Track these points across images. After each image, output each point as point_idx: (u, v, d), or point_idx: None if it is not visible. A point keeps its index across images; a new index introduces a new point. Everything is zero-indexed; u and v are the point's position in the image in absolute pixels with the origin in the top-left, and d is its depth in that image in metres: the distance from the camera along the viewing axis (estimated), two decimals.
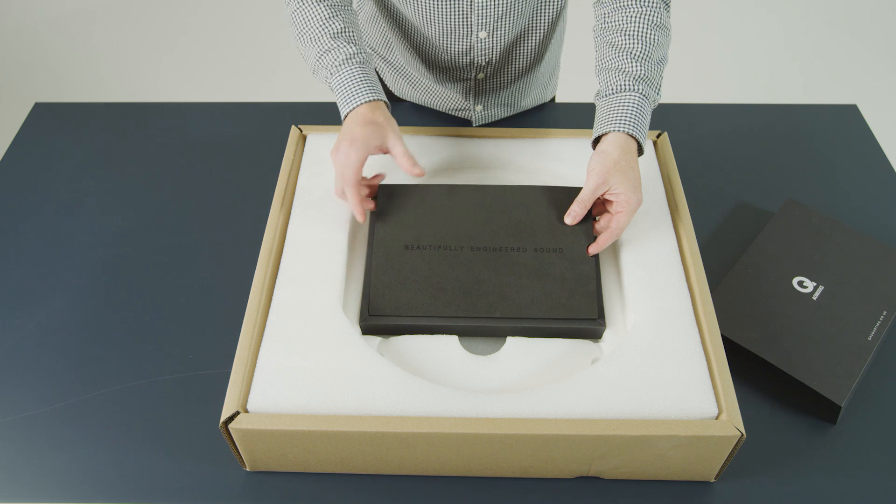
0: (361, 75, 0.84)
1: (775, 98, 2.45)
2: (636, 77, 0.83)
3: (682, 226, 0.84)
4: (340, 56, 0.84)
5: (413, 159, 0.82)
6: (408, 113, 1.13)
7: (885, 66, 2.61)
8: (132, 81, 2.51)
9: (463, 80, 1.04)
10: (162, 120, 1.14)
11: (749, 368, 0.81)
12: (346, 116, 0.84)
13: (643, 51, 0.84)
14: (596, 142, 0.84)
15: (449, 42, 0.97)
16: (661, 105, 1.16)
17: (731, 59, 2.62)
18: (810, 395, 0.77)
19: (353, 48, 0.85)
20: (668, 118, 1.13)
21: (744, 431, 0.66)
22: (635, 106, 0.82)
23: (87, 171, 1.06)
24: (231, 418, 0.67)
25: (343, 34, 0.85)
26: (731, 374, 0.71)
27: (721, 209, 1.00)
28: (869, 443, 0.77)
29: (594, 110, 0.86)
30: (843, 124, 1.15)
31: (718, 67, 2.59)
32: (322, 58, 0.85)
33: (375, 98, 0.83)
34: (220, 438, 0.75)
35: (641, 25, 0.85)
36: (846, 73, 2.58)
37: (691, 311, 0.76)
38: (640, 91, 0.83)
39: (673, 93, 2.42)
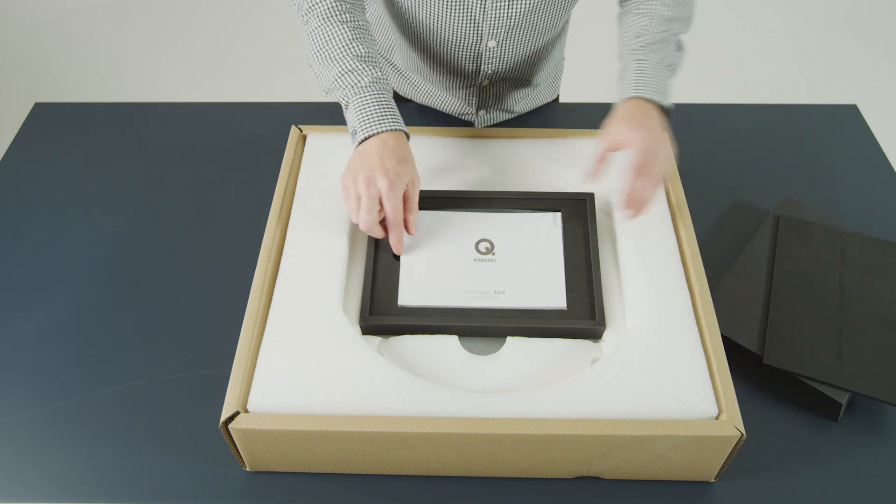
0: (389, 101, 0.82)
1: (775, 98, 2.45)
2: (636, 48, 0.86)
3: (682, 226, 0.84)
4: (366, 78, 0.82)
5: (412, 226, 0.80)
6: (410, 113, 1.13)
7: (886, 66, 2.61)
8: (132, 81, 2.51)
9: (467, 87, 1.04)
10: (162, 120, 1.14)
11: (749, 368, 0.81)
12: (365, 139, 0.80)
13: (649, 24, 0.87)
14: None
15: (458, 49, 0.97)
16: None
17: (731, 60, 2.62)
18: (811, 394, 0.77)
19: (379, 73, 0.83)
20: (667, 118, 1.13)
21: (744, 431, 0.66)
22: (633, 70, 0.85)
23: (87, 171, 1.06)
24: (231, 418, 0.67)
25: (368, 58, 0.84)
26: (731, 374, 0.71)
27: (721, 209, 1.00)
28: (871, 440, 0.76)
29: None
30: (843, 124, 1.15)
31: (718, 67, 2.59)
32: (344, 77, 0.83)
33: (400, 128, 0.81)
34: (220, 438, 0.75)
35: (653, 4, 0.88)
36: (846, 73, 2.58)
37: (691, 311, 0.76)
38: (637, 57, 0.86)
39: (673, 93, 2.42)
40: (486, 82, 1.02)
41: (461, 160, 0.94)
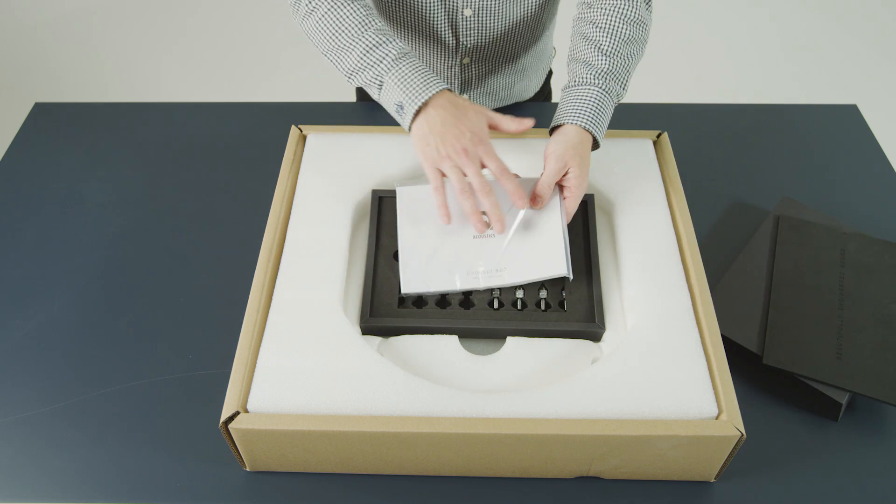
0: (425, 67, 0.79)
1: (775, 98, 2.45)
2: (600, 72, 0.83)
3: (682, 226, 0.84)
4: (394, 50, 0.79)
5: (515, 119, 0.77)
6: (390, 114, 1.13)
7: (885, 66, 2.61)
8: (132, 81, 2.51)
9: (449, 66, 1.03)
10: (162, 120, 1.14)
11: (749, 368, 0.81)
12: (419, 111, 0.77)
13: (611, 45, 0.84)
14: (553, 132, 0.84)
15: (435, 19, 0.96)
16: (660, 105, 1.16)
17: (732, 60, 2.62)
18: (811, 394, 0.77)
19: (404, 43, 0.82)
20: (667, 118, 1.13)
21: (744, 431, 0.66)
22: (594, 100, 0.82)
23: (87, 171, 1.06)
24: (231, 418, 0.67)
25: (387, 32, 0.82)
26: (731, 374, 0.71)
27: (721, 209, 1.00)
28: (871, 440, 0.76)
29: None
30: (842, 124, 1.15)
31: (719, 68, 2.59)
32: (369, 54, 0.80)
33: (447, 86, 0.78)
34: (220, 438, 0.75)
35: (614, 19, 0.85)
36: (846, 73, 2.58)
37: (691, 311, 0.76)
38: (602, 86, 0.83)
39: (673, 93, 2.42)
40: (467, 59, 1.02)
41: None
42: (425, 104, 0.77)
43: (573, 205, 0.80)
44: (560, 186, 0.82)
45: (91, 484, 0.73)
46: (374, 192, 0.87)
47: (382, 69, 0.79)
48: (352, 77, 0.83)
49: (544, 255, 0.78)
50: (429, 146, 0.76)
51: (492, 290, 0.79)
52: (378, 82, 0.80)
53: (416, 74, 0.78)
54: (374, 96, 0.83)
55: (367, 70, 0.81)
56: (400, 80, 0.78)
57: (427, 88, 0.76)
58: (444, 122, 0.75)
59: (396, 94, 0.78)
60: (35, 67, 2.55)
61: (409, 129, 0.79)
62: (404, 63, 0.79)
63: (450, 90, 0.79)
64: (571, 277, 0.78)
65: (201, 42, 2.65)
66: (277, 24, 2.69)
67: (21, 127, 1.14)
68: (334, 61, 0.84)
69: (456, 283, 0.78)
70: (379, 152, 0.92)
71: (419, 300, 0.80)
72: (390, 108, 0.80)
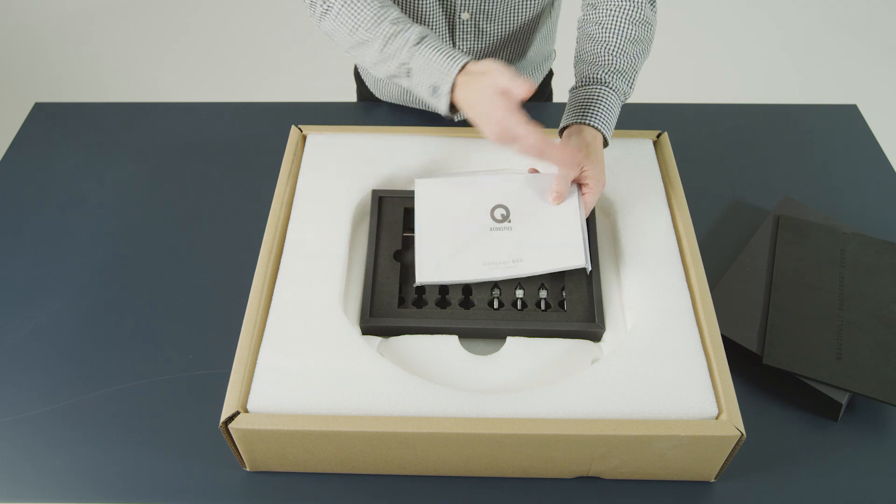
0: (446, 46, 0.78)
1: (775, 98, 2.45)
2: (607, 71, 0.85)
3: (682, 226, 0.84)
4: (414, 35, 0.79)
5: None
6: (389, 114, 1.13)
7: (885, 66, 2.61)
8: (132, 81, 2.51)
9: None
10: (162, 120, 1.14)
11: (749, 368, 0.81)
12: (454, 86, 0.76)
13: (618, 45, 0.85)
14: (562, 132, 0.86)
15: (432, 21, 0.96)
16: (660, 105, 1.16)
17: (732, 60, 2.62)
18: (811, 394, 0.77)
19: (421, 26, 0.80)
20: (668, 118, 1.13)
21: (744, 431, 0.66)
22: (602, 99, 0.83)
23: (87, 171, 1.06)
24: (231, 418, 0.67)
25: (404, 18, 0.81)
26: (731, 374, 0.71)
27: (721, 209, 1.00)
28: (871, 440, 0.76)
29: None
30: (842, 124, 1.15)
31: (719, 68, 2.59)
32: (391, 42, 0.80)
33: (468, 59, 0.77)
34: (220, 438, 0.75)
35: (620, 20, 0.86)
36: (846, 73, 2.58)
37: (691, 311, 0.76)
38: (609, 85, 0.84)
39: (673, 93, 2.42)
40: None
41: (456, 161, 0.94)
42: (458, 75, 0.77)
43: (592, 200, 0.81)
44: (578, 184, 0.83)
45: (91, 484, 0.73)
46: (374, 192, 0.87)
47: (407, 55, 0.79)
48: (376, 68, 0.83)
49: (563, 247, 0.79)
50: (478, 111, 0.75)
51: (498, 287, 0.80)
52: (406, 70, 0.81)
53: (440, 54, 0.77)
54: (405, 84, 0.83)
55: (390, 60, 0.81)
56: (427, 64, 0.78)
57: (453, 62, 0.76)
58: (480, 84, 0.74)
59: (431, 77, 0.78)
60: (35, 67, 2.55)
61: (449, 109, 0.79)
62: (427, 44, 0.78)
63: (471, 61, 0.77)
64: (590, 269, 0.79)
65: (201, 42, 2.65)
66: (277, 24, 2.69)
67: (21, 127, 1.14)
68: (357, 56, 0.85)
69: (474, 273, 0.78)
70: (379, 152, 0.92)
71: (419, 300, 0.80)
72: (425, 92, 0.80)
